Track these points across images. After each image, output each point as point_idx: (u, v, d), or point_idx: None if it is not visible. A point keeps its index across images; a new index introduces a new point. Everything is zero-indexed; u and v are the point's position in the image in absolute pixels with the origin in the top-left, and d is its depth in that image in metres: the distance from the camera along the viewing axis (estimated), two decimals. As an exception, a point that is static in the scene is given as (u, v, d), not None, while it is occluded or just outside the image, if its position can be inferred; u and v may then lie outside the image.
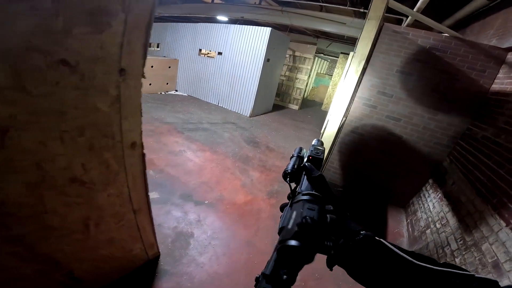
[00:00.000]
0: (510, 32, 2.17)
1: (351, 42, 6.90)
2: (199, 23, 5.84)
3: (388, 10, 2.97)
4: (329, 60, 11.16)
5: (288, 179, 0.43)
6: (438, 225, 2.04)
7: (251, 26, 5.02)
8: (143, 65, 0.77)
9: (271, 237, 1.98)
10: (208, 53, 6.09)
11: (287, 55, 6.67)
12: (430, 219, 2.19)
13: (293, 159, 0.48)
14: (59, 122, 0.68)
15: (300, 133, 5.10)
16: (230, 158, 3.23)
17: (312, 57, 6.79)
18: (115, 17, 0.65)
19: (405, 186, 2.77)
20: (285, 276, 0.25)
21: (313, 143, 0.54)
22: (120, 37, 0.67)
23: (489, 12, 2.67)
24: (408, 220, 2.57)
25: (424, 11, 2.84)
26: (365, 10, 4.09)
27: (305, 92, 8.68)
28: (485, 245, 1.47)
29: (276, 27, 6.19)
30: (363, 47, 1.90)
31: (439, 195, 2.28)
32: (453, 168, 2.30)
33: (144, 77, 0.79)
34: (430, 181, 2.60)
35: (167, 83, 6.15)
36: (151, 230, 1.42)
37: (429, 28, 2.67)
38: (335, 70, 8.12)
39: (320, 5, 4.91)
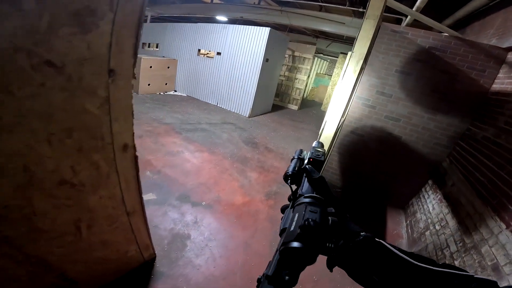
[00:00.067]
0: (510, 32, 2.15)
1: (351, 42, 6.87)
2: (198, 23, 5.84)
3: (387, 9, 2.95)
4: (328, 60, 11.15)
5: (289, 181, 0.44)
6: (437, 227, 2.01)
7: (250, 26, 5.01)
8: (134, 65, 0.75)
9: (268, 239, 1.97)
10: (207, 53, 6.08)
11: (287, 55, 6.66)
12: (429, 220, 2.17)
13: (294, 161, 0.50)
14: (46, 124, 0.66)
15: (300, 133, 5.09)
16: (228, 159, 3.21)
17: (312, 57, 6.77)
18: (103, 17, 0.63)
19: (405, 187, 2.75)
20: (287, 277, 0.25)
21: (313, 145, 0.54)
22: (108, 38, 0.65)
23: (489, 11, 2.64)
24: (408, 221, 2.55)
25: (424, 11, 2.82)
26: (364, 10, 4.07)
27: (304, 92, 8.66)
28: (485, 247, 1.45)
29: (275, 27, 6.18)
30: (361, 47, 1.88)
31: (439, 196, 2.26)
32: (452, 169, 2.28)
33: (134, 78, 0.78)
34: (430, 182, 2.58)
35: (166, 84, 6.14)
36: (146, 232, 1.41)
37: (428, 28, 2.65)
38: (335, 70, 8.10)
39: (319, 4, 4.90)
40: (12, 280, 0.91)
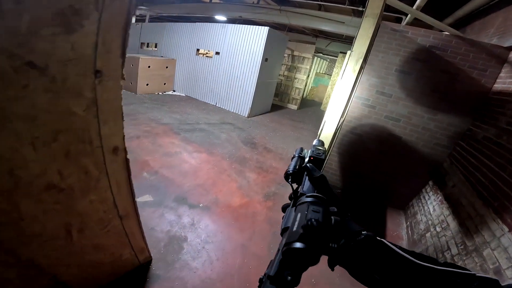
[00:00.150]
0: (511, 31, 2.12)
1: (350, 41, 6.83)
2: (196, 23, 5.81)
3: (387, 8, 2.92)
4: (328, 60, 11.10)
5: (290, 180, 0.44)
6: (438, 229, 1.99)
7: (249, 26, 4.98)
8: (122, 65, 0.73)
9: (266, 240, 1.94)
10: (206, 53, 6.05)
11: (286, 55, 6.62)
12: (430, 222, 2.14)
13: (295, 159, 0.50)
14: (30, 127, 0.64)
15: (299, 133, 5.06)
16: (226, 159, 3.19)
17: (311, 57, 6.73)
18: (88, 17, 0.61)
19: (405, 188, 2.72)
20: (289, 277, 0.25)
21: (314, 143, 0.54)
22: (94, 37, 0.63)
23: (490, 10, 2.61)
24: (408, 222, 2.52)
25: (424, 9, 2.79)
26: (363, 9, 4.04)
27: (304, 92, 8.62)
28: (487, 250, 1.42)
29: (275, 27, 6.15)
30: (360, 45, 1.85)
31: (440, 197, 2.23)
32: (453, 170, 2.25)
33: (123, 78, 0.75)
34: (430, 182, 2.55)
35: (165, 83, 6.12)
36: (141, 235, 1.39)
37: (429, 27, 2.62)
38: (334, 69, 8.07)
39: (318, 4, 4.86)
40: (3, 282, 0.90)
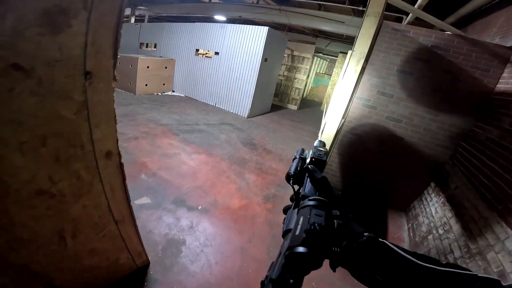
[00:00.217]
0: (514, 29, 2.08)
1: (350, 41, 6.80)
2: (196, 23, 5.78)
3: (388, 7, 2.89)
4: (328, 60, 11.06)
5: (291, 181, 0.44)
6: (440, 231, 1.96)
7: (248, 26, 4.94)
8: (114, 66, 0.70)
9: (266, 243, 1.91)
10: (206, 53, 6.02)
11: (286, 55, 6.59)
12: (432, 224, 2.11)
13: (296, 161, 0.49)
14: (17, 132, 0.61)
15: (299, 134, 5.02)
16: (226, 160, 3.16)
17: (311, 57, 6.69)
18: (76, 16, 0.58)
19: (406, 189, 2.69)
20: (291, 280, 0.25)
21: (315, 144, 0.54)
22: (83, 38, 0.60)
23: (492, 10, 2.58)
24: (409, 224, 2.49)
25: (425, 8, 2.75)
26: (364, 9, 4.01)
27: (304, 92, 8.59)
28: (491, 253, 1.40)
29: (274, 26, 6.12)
30: (362, 45, 1.82)
31: (442, 199, 2.20)
32: (456, 171, 2.22)
33: (116, 80, 0.72)
34: (432, 184, 2.51)
35: (164, 84, 6.09)
36: (138, 239, 1.36)
37: (430, 26, 2.59)
38: (334, 69, 8.04)
39: (318, 3, 4.83)
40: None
